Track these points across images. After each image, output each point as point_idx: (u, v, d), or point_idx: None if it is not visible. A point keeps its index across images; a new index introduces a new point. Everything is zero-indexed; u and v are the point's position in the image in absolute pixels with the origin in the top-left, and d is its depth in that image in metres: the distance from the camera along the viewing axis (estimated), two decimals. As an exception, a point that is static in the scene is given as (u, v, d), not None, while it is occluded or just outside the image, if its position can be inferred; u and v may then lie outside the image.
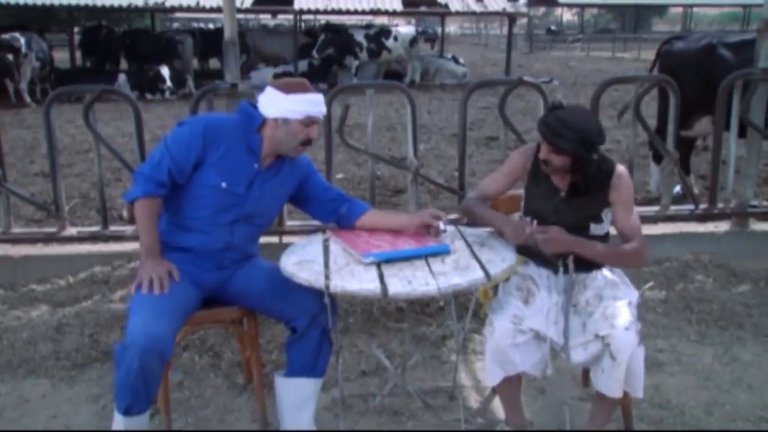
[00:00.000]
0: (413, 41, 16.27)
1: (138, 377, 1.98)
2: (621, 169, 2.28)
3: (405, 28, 17.41)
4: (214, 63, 19.17)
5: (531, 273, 2.33)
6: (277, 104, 2.24)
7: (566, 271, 2.26)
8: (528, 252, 2.35)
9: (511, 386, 2.28)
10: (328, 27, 17.05)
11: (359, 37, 15.78)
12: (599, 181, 2.23)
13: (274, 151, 2.30)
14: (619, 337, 2.05)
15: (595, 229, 2.27)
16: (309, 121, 2.25)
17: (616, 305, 2.15)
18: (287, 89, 2.24)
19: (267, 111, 2.26)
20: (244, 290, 2.32)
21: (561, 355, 2.19)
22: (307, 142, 2.29)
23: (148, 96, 13.41)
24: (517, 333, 2.13)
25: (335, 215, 2.46)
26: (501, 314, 2.17)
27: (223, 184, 2.23)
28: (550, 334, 2.16)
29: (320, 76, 15.28)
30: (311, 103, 2.25)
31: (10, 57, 12.09)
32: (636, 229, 2.27)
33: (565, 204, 2.26)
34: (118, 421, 2.07)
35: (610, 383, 2.09)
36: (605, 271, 2.31)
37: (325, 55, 15.41)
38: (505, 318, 2.15)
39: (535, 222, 2.20)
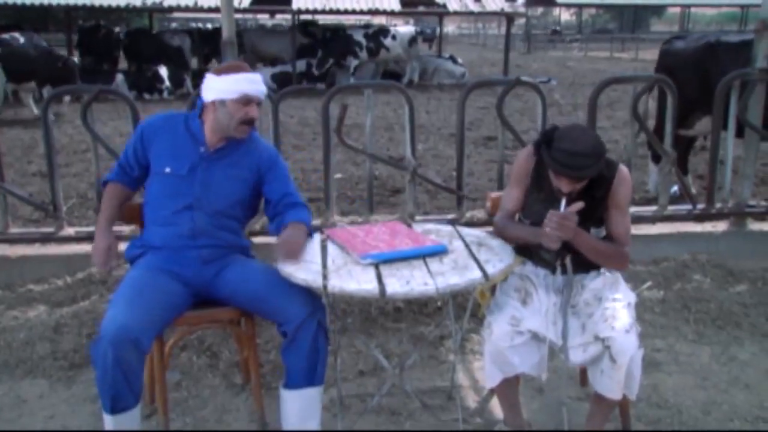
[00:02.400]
0: (412, 41, 16.24)
1: (115, 370, 1.98)
2: (623, 171, 2.22)
3: (403, 28, 17.38)
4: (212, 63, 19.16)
5: (528, 273, 2.31)
6: (212, 87, 2.33)
7: (564, 271, 2.26)
8: (526, 252, 2.35)
9: (509, 387, 2.28)
10: (306, 23, 17.19)
11: (358, 36, 15.76)
12: (602, 185, 2.18)
13: (218, 134, 2.36)
14: (619, 340, 2.04)
15: (595, 233, 2.23)
16: (246, 100, 2.32)
17: (615, 307, 2.14)
18: (219, 72, 2.35)
19: (205, 96, 2.35)
20: (237, 290, 2.30)
21: (559, 356, 2.19)
22: (247, 122, 2.34)
23: (146, 96, 13.42)
24: (515, 334, 2.12)
25: (275, 223, 2.41)
26: (499, 316, 2.16)
27: (167, 169, 2.34)
28: (549, 334, 2.15)
29: (318, 77, 15.28)
30: (245, 82, 2.31)
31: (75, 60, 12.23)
32: (628, 233, 2.23)
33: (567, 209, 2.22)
34: (108, 421, 2.07)
35: (609, 385, 2.09)
36: (603, 272, 2.29)
37: (325, 70, 15.44)
38: (503, 320, 2.14)
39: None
